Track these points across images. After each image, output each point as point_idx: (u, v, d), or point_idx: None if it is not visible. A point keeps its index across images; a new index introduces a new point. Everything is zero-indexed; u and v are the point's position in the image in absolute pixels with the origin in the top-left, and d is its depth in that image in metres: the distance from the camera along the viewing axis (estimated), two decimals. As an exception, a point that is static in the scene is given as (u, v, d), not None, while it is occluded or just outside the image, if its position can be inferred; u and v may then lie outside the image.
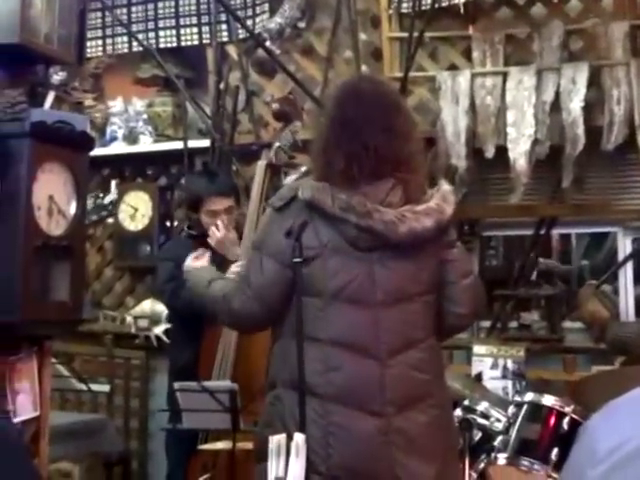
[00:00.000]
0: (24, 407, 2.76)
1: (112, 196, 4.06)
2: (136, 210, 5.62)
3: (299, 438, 2.15)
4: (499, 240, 5.51)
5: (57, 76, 2.75)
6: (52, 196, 2.69)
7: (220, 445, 3.79)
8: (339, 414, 2.56)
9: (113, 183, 4.92)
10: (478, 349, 4.63)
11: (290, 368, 2.55)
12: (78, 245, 2.81)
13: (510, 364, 4.55)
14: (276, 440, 2.16)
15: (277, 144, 3.94)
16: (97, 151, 5.55)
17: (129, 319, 5.56)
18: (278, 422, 2.55)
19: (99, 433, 4.93)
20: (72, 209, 2.77)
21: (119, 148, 5.62)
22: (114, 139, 5.63)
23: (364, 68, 4.84)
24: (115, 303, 5.83)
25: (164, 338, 5.34)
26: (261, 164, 3.97)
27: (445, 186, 2.70)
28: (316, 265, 2.62)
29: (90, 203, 3.99)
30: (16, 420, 2.70)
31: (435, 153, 4.68)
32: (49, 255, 2.70)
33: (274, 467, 2.14)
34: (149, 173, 5.73)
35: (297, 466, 2.13)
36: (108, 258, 5.84)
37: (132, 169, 5.75)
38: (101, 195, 4.10)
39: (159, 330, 5.43)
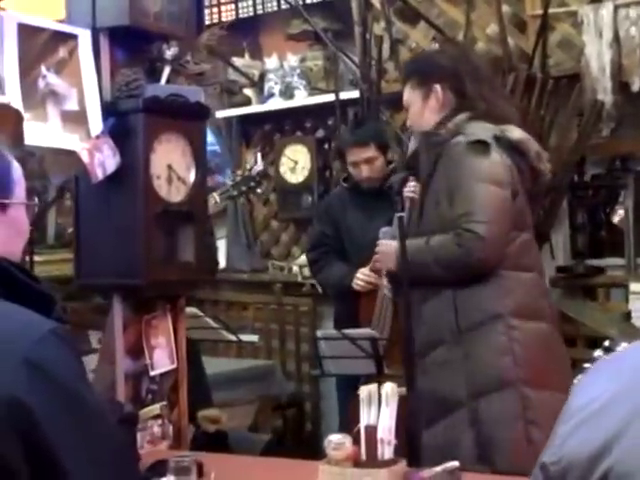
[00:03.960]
0: (161, 361, 2.99)
1: (258, 167, 4.20)
2: (296, 163, 5.80)
3: (388, 387, 2.23)
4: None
5: (169, 51, 2.89)
6: (170, 165, 2.85)
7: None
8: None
9: (259, 155, 5.13)
10: (635, 287, 4.55)
11: (517, 297, 2.93)
12: (199, 209, 2.96)
13: (669, 296, 4.45)
14: (366, 389, 2.24)
15: None
16: (257, 108, 5.86)
17: (295, 268, 5.76)
18: (519, 349, 2.89)
19: (267, 377, 5.21)
20: (191, 176, 2.92)
21: (277, 104, 5.79)
22: (271, 95, 5.80)
23: (505, 8, 4.77)
24: (282, 253, 6.03)
25: (329, 285, 5.50)
26: None
27: None
28: (518, 201, 3.01)
29: (239, 177, 4.15)
30: (153, 373, 2.95)
31: (580, 89, 4.57)
32: (171, 220, 2.87)
33: (365, 415, 2.23)
34: (307, 126, 5.88)
35: (387, 414, 2.21)
36: (274, 210, 6.05)
37: (290, 123, 5.92)
38: (248, 167, 4.27)
39: (324, 278, 5.59)
